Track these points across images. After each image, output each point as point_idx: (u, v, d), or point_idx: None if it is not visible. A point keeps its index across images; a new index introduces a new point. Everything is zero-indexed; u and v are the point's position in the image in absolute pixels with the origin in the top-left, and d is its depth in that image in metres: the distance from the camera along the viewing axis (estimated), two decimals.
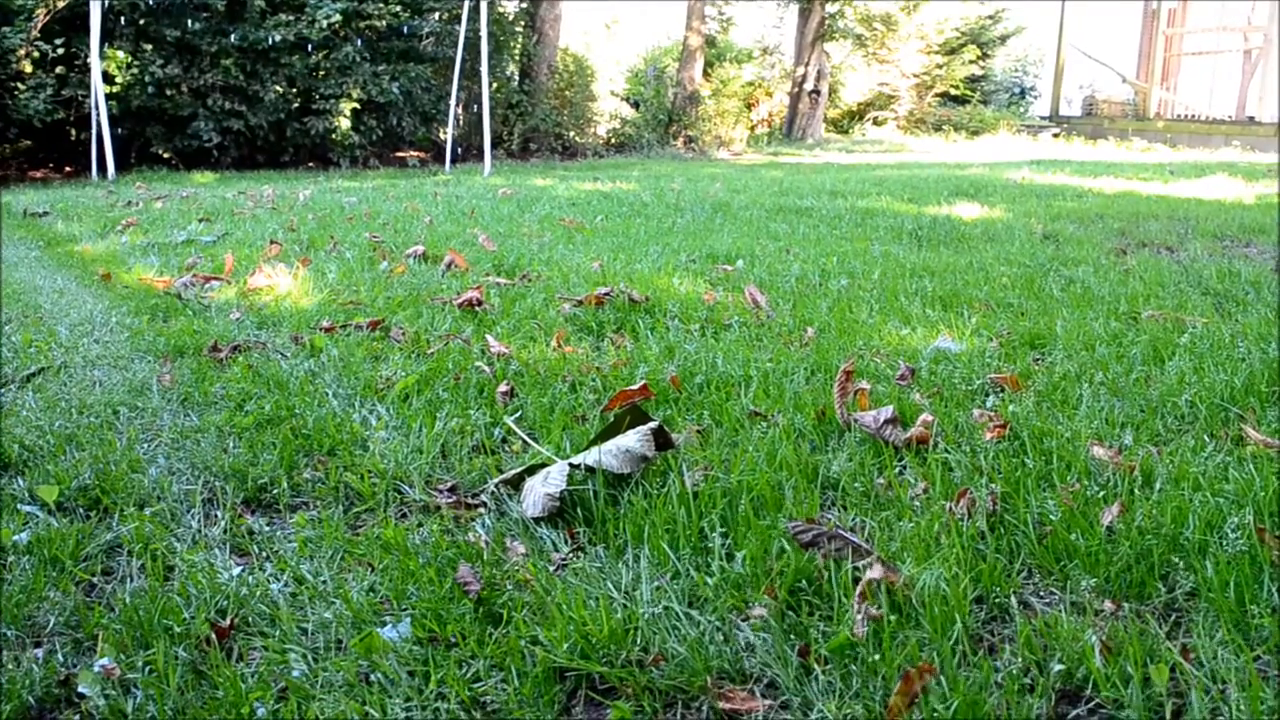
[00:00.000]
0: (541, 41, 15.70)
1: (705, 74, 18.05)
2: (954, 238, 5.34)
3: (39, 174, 11.42)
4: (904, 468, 2.05)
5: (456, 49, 12.33)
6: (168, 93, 11.44)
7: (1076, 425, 2.22)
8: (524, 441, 2.23)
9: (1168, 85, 19.88)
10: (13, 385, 2.74)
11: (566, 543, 1.78)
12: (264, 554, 1.78)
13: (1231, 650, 1.39)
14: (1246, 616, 1.45)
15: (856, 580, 1.54)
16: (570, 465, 1.94)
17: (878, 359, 2.82)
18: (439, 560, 1.69)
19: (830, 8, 19.01)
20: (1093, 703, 1.32)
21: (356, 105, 12.47)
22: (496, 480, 2.01)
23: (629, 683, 1.37)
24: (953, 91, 21.51)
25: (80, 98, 10.71)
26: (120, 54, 10.97)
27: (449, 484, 2.04)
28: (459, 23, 12.43)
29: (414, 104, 13.16)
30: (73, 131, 11.46)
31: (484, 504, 1.95)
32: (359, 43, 12.26)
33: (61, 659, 1.46)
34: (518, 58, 15.84)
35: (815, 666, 1.38)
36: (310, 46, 11.98)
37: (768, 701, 1.34)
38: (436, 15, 13.45)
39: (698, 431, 2.26)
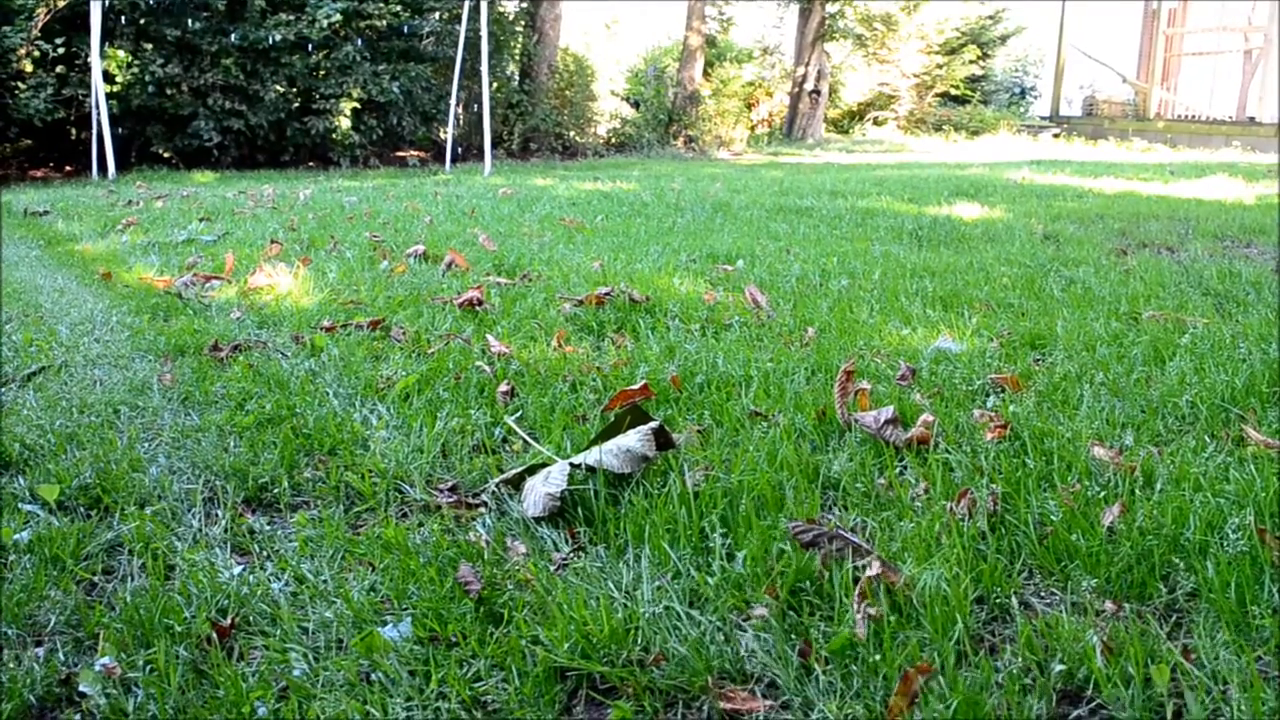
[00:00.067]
0: (542, 41, 15.70)
1: (705, 74, 18.06)
2: (954, 238, 5.34)
3: (39, 173, 11.43)
4: (905, 468, 2.05)
5: (457, 49, 12.33)
6: (168, 92, 11.44)
7: (1077, 425, 2.22)
8: (525, 441, 2.23)
9: (1168, 85, 19.88)
10: (13, 384, 2.74)
11: (567, 542, 1.78)
12: (265, 553, 1.78)
13: (1232, 651, 1.39)
14: (1247, 617, 1.45)
15: (857, 580, 1.54)
16: (571, 465, 1.94)
17: (878, 359, 2.82)
18: (440, 560, 1.69)
19: (830, 8, 19.02)
20: (1094, 703, 1.32)
21: (357, 105, 12.47)
22: (497, 480, 2.01)
23: (630, 682, 1.37)
24: (953, 91, 21.51)
25: (81, 97, 10.71)
26: (121, 53, 10.97)
27: (450, 483, 2.04)
28: (459, 22, 12.43)
29: (414, 104, 13.16)
30: (73, 131, 11.46)
31: (485, 503, 1.95)
32: (359, 42, 12.26)
33: (62, 658, 1.46)
34: (518, 57, 15.84)
35: (816, 666, 1.38)
36: (310, 46, 11.98)
37: (768, 701, 1.34)
38: (437, 15, 13.45)
39: (698, 431, 2.26)
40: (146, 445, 2.27)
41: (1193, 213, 6.44)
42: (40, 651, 1.48)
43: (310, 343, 3.10)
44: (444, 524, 1.86)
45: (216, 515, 1.93)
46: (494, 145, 13.07)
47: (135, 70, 11.04)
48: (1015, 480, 1.91)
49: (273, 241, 5.16)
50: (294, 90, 12.17)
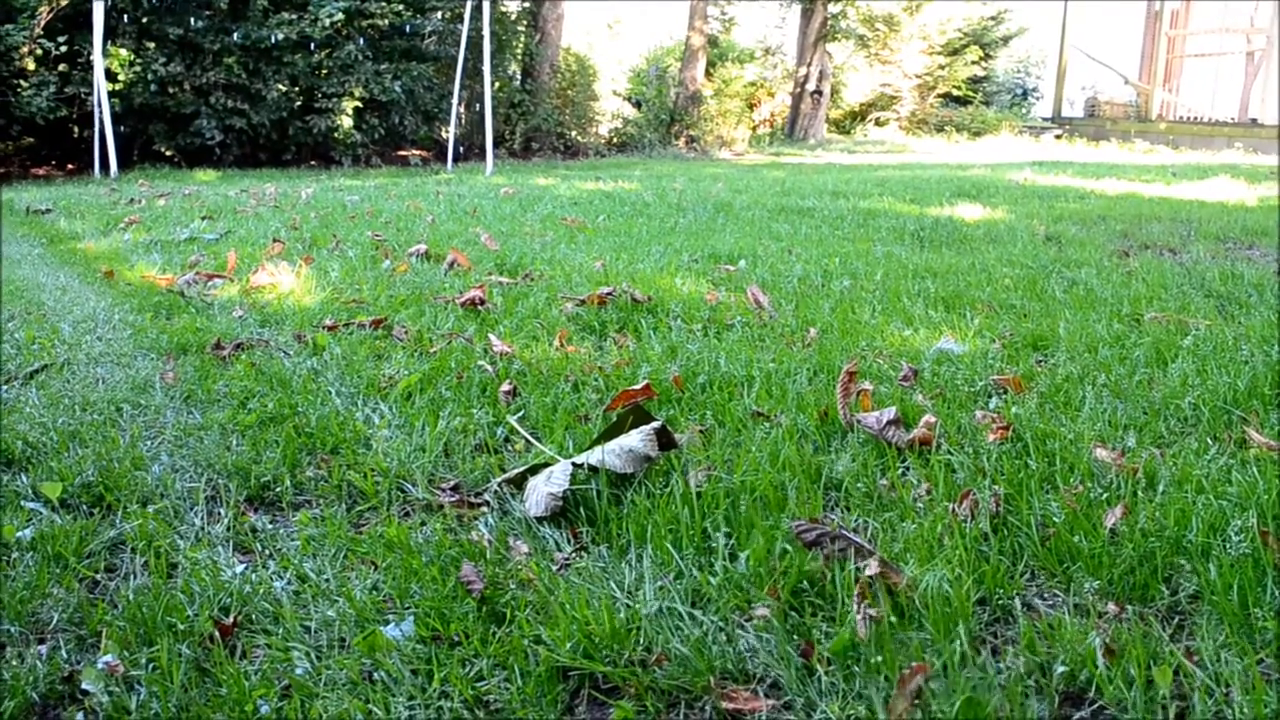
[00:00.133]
0: (544, 41, 15.70)
1: (707, 74, 18.05)
2: (956, 239, 5.34)
3: (42, 171, 11.43)
4: (907, 469, 2.05)
5: (459, 48, 12.34)
6: (170, 91, 11.45)
7: (1079, 427, 2.22)
8: (527, 441, 2.23)
9: (1170, 87, 19.87)
10: (16, 382, 2.75)
11: (569, 542, 1.78)
12: (267, 552, 1.78)
13: (1235, 653, 1.39)
14: (1250, 619, 1.45)
15: (859, 581, 1.54)
16: (573, 464, 1.94)
17: (880, 360, 2.82)
18: (442, 559, 1.69)
19: (833, 8, 19.01)
20: (1096, 705, 1.32)
21: (359, 104, 12.48)
22: (499, 479, 2.01)
23: (632, 682, 1.37)
24: (955, 92, 21.51)
25: (83, 95, 10.71)
26: (123, 52, 10.98)
27: (452, 483, 2.04)
28: (461, 22, 12.43)
29: (416, 103, 13.17)
30: (75, 129, 11.47)
31: (487, 503, 1.95)
32: (361, 41, 12.27)
33: (65, 655, 1.46)
34: (520, 57, 15.84)
35: (818, 667, 1.38)
36: (313, 45, 11.99)
37: (771, 701, 1.34)
38: (439, 14, 13.46)
39: (700, 431, 2.26)
40: (149, 443, 2.27)
41: (1195, 214, 6.44)
42: (43, 649, 1.48)
43: (312, 341, 3.10)
44: (446, 523, 1.86)
45: (219, 514, 1.93)
46: (496, 145, 13.08)
47: (137, 69, 11.05)
48: (1017, 481, 1.91)
49: (275, 240, 5.17)
50: (296, 89, 12.17)
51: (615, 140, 16.67)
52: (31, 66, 10.39)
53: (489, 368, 2.75)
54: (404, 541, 1.75)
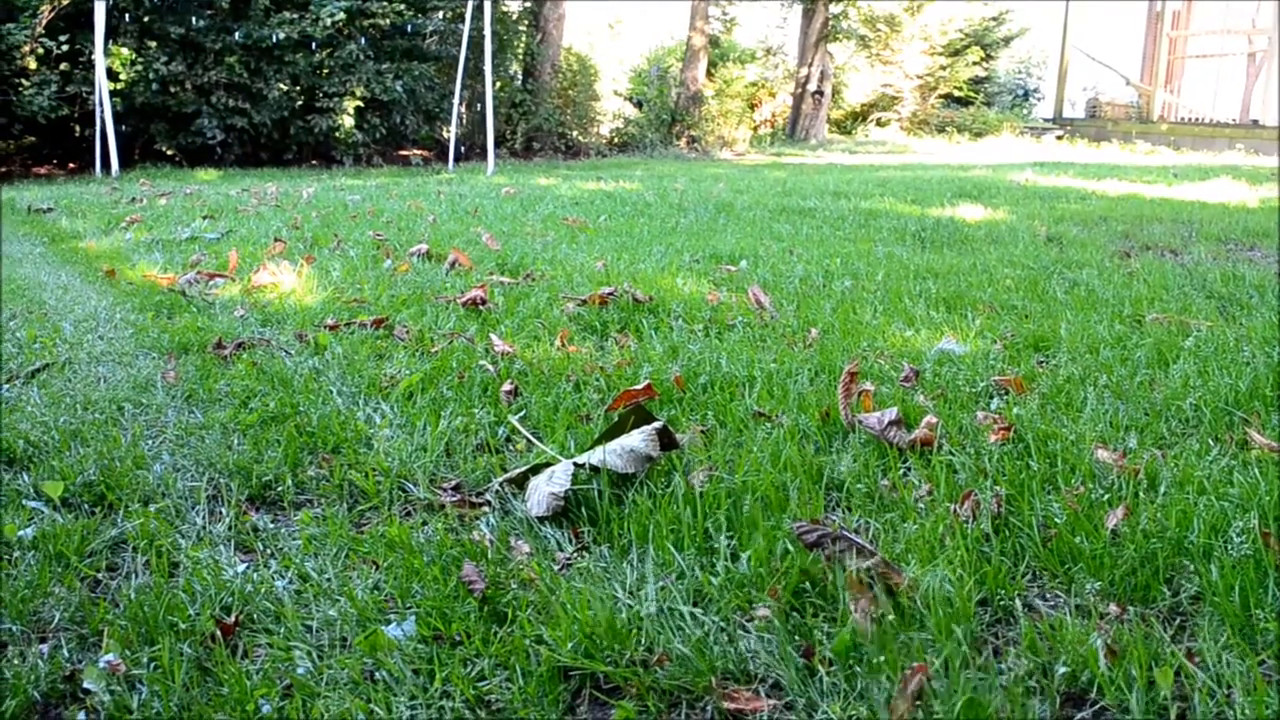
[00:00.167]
0: (545, 41, 15.70)
1: (709, 74, 18.05)
2: (958, 239, 5.34)
3: (43, 170, 11.44)
4: (908, 469, 2.05)
5: (460, 48, 12.34)
6: (172, 90, 11.45)
7: (1081, 428, 2.22)
8: (528, 440, 2.23)
9: (1171, 88, 19.86)
10: (17, 381, 2.75)
11: (571, 542, 1.78)
12: (269, 551, 1.78)
13: (1236, 654, 1.39)
14: (1251, 620, 1.45)
15: (860, 581, 1.54)
16: (575, 464, 1.94)
17: (882, 360, 2.82)
18: (444, 559, 1.69)
19: (834, 8, 19.01)
20: (1097, 706, 1.32)
21: (360, 103, 12.48)
22: (501, 479, 2.01)
23: (633, 682, 1.37)
24: (956, 93, 21.50)
25: (84, 94, 10.72)
26: (124, 51, 10.99)
27: (453, 482, 2.04)
28: (463, 21, 12.43)
29: (417, 102, 13.17)
30: (77, 128, 11.47)
31: (488, 503, 1.95)
32: (363, 41, 12.27)
33: (67, 654, 1.46)
34: (521, 57, 15.85)
35: (819, 667, 1.38)
36: (314, 44, 11.99)
37: (772, 702, 1.34)
38: (440, 14, 13.46)
39: (702, 432, 2.26)
40: (150, 443, 2.27)
41: (1196, 215, 6.44)
42: (45, 648, 1.48)
43: (314, 341, 3.10)
44: (448, 523, 1.86)
45: (220, 513, 1.93)
46: (497, 144, 13.08)
47: (139, 68, 11.06)
48: (1019, 482, 1.91)
49: (276, 240, 5.17)
50: (297, 88, 12.18)
51: (616, 140, 16.67)
52: (33, 65, 10.39)
53: (490, 367, 2.76)
54: (405, 541, 1.75)
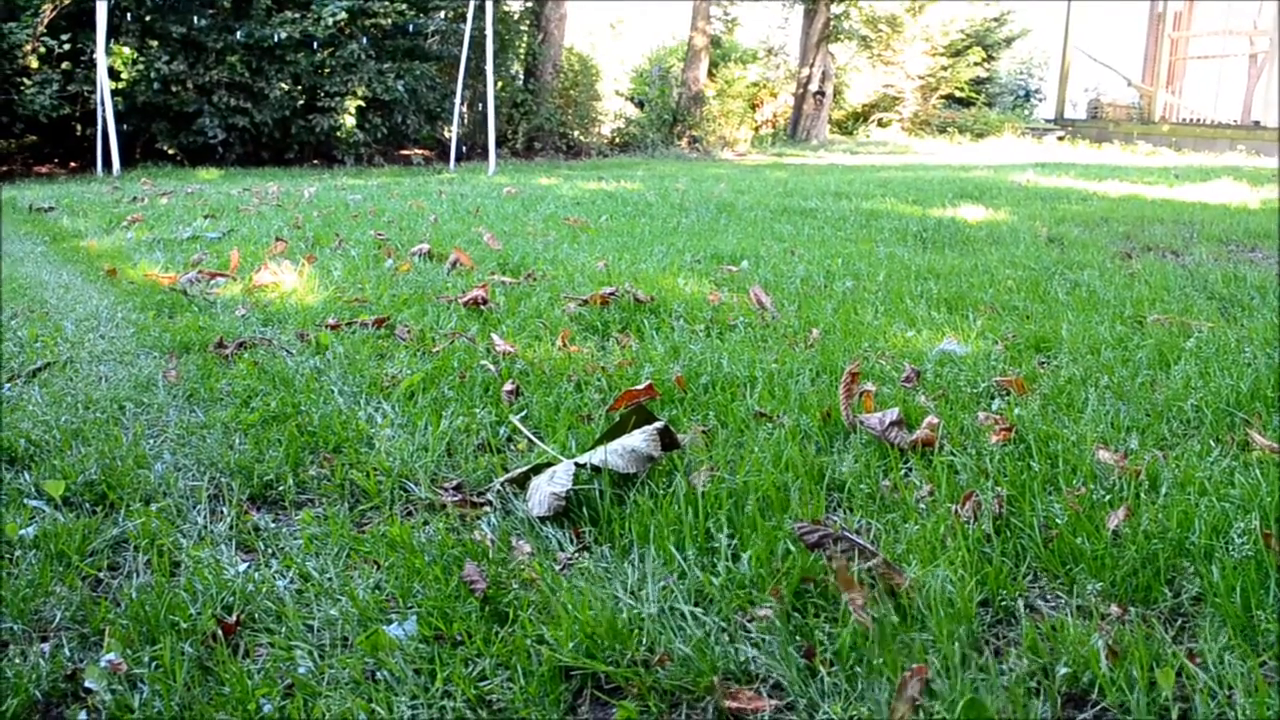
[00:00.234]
0: (547, 41, 15.71)
1: (710, 74, 18.05)
2: (959, 240, 5.33)
3: (44, 169, 11.44)
4: (909, 470, 2.05)
5: (462, 47, 12.34)
6: (173, 89, 11.46)
7: (1082, 429, 2.22)
8: (530, 440, 2.23)
9: (1173, 89, 19.86)
10: (19, 380, 2.75)
11: (572, 542, 1.78)
12: (270, 551, 1.78)
13: (1238, 655, 1.38)
14: (1253, 622, 1.45)
15: (862, 582, 1.54)
16: (576, 464, 1.94)
17: (883, 361, 2.82)
18: (445, 558, 1.69)
19: (835, 9, 19.01)
20: (1099, 706, 1.32)
21: (361, 103, 12.48)
22: (502, 479, 2.01)
23: (634, 682, 1.37)
24: (957, 94, 21.50)
25: (86, 93, 10.72)
26: (126, 50, 10.99)
27: (455, 482, 2.04)
28: (464, 21, 12.44)
29: (419, 102, 13.18)
30: (78, 127, 11.48)
31: (490, 503, 1.95)
32: (364, 40, 12.28)
33: (68, 654, 1.46)
34: (523, 57, 15.85)
35: (820, 668, 1.38)
36: (315, 44, 11.99)
37: (773, 702, 1.34)
38: (442, 14, 13.47)
39: (703, 432, 2.26)
40: (152, 442, 2.27)
41: (1197, 217, 6.44)
42: (46, 647, 1.48)
43: (315, 340, 3.10)
44: (449, 523, 1.86)
45: (222, 512, 1.93)
46: (498, 144, 13.09)
47: (140, 67, 11.06)
48: (1020, 483, 1.91)
49: (277, 239, 5.17)
50: (299, 88, 12.18)
51: (618, 140, 16.68)
52: (35, 64, 10.40)
53: (492, 367, 2.76)
54: (407, 541, 1.75)
